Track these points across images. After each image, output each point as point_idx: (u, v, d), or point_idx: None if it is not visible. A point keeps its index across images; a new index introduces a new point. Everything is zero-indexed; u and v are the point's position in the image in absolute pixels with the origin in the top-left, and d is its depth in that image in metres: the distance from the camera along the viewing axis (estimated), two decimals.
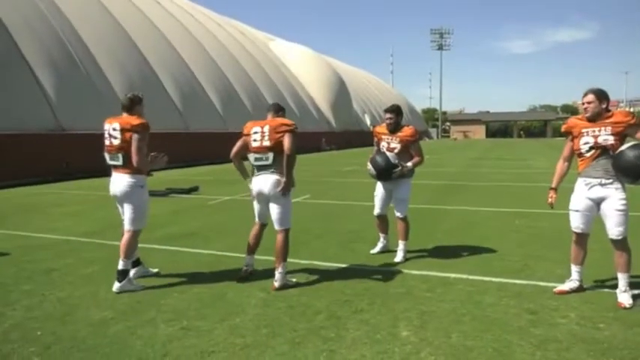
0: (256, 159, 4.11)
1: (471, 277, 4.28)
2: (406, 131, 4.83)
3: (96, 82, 18.67)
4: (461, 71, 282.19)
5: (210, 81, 26.85)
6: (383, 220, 5.16)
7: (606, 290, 3.82)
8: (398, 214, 4.90)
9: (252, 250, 4.36)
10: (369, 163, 4.82)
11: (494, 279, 4.20)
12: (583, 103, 3.65)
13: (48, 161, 15.11)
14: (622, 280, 3.60)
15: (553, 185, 3.99)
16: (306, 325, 3.26)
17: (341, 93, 44.02)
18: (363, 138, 40.14)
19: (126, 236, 4.12)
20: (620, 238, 3.56)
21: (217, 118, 26.09)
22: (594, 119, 3.60)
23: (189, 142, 22.22)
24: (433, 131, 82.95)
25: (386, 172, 4.70)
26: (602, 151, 3.54)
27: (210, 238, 6.15)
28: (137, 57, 22.08)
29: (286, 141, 3.98)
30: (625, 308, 3.45)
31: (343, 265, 4.75)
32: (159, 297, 3.88)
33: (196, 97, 24.96)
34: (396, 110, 4.83)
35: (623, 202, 3.53)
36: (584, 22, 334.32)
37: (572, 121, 3.81)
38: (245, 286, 4.09)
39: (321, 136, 37.68)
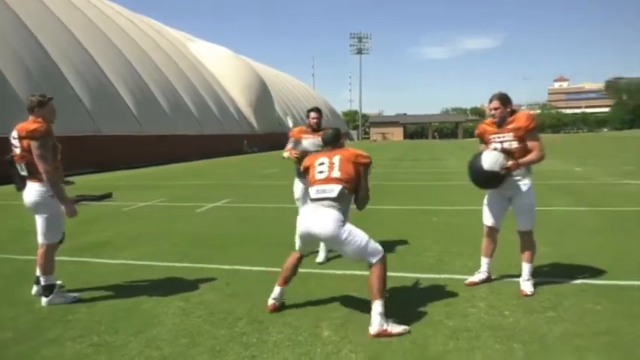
0: None
1: (390, 273, 4.40)
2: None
3: None
4: (380, 75, 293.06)
5: (122, 80, 25.48)
6: None
7: (510, 280, 4.11)
8: None
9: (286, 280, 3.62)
10: (286, 153, 4.94)
11: (411, 274, 4.37)
12: (490, 109, 3.89)
13: None
14: (526, 269, 3.90)
15: None
16: (227, 332, 3.19)
17: (262, 95, 43.80)
18: (286, 140, 40.20)
19: (40, 251, 3.83)
20: (526, 230, 3.88)
21: (131, 119, 24.83)
22: (500, 124, 3.85)
23: (101, 146, 20.96)
24: (354, 133, 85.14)
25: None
26: (508, 154, 3.78)
27: (124, 247, 5.82)
28: (36, 50, 20.31)
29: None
30: (527, 296, 3.73)
31: (265, 269, 4.70)
32: (65, 312, 3.60)
33: (107, 96, 23.53)
34: (320, 110, 5.14)
35: (531, 198, 3.84)
36: (492, 33, 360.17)
37: (482, 127, 4.06)
38: (162, 296, 3.92)
39: (243, 138, 37.24)
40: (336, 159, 3.46)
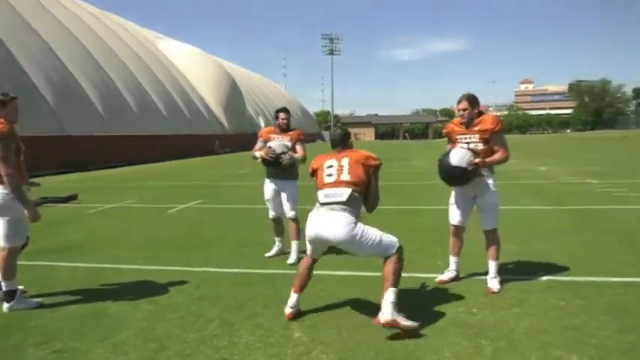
0: None
1: (360, 273, 4.44)
2: (296, 131, 5.22)
3: None
4: (352, 76, 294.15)
5: (88, 77, 24.76)
6: (278, 223, 5.19)
7: (477, 278, 4.19)
8: (289, 215, 4.99)
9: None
10: (257, 152, 5.01)
11: (380, 274, 4.39)
12: (459, 110, 3.98)
13: None
14: (492, 267, 3.99)
15: None
16: (197, 335, 3.14)
17: (233, 94, 43.42)
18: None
19: (1, 255, 3.70)
20: (491, 228, 4.00)
21: (98, 118, 24.19)
22: (468, 124, 3.95)
23: (66, 146, 20.30)
24: (326, 133, 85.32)
25: (275, 158, 4.81)
26: (475, 154, 3.86)
27: (89, 249, 5.67)
28: None
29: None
30: (494, 293, 3.82)
31: (236, 270, 4.66)
32: (28, 318, 3.48)
33: (71, 94, 22.75)
34: (289, 110, 5.23)
35: (495, 197, 3.97)
36: (460, 36, 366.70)
37: (450, 126, 4.16)
38: (130, 300, 3.83)
39: (214, 138, 36.82)
40: (345, 161, 3.36)
